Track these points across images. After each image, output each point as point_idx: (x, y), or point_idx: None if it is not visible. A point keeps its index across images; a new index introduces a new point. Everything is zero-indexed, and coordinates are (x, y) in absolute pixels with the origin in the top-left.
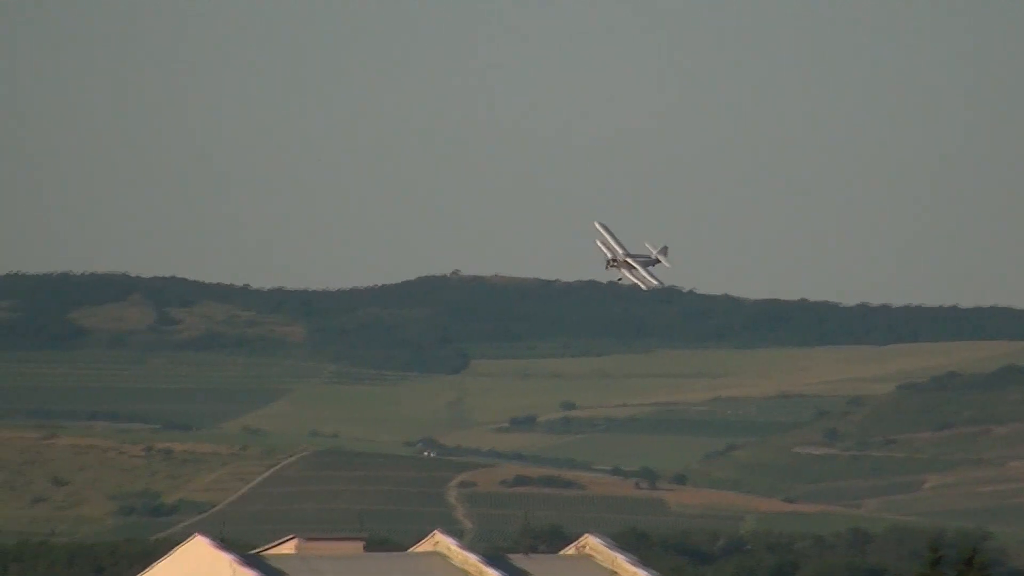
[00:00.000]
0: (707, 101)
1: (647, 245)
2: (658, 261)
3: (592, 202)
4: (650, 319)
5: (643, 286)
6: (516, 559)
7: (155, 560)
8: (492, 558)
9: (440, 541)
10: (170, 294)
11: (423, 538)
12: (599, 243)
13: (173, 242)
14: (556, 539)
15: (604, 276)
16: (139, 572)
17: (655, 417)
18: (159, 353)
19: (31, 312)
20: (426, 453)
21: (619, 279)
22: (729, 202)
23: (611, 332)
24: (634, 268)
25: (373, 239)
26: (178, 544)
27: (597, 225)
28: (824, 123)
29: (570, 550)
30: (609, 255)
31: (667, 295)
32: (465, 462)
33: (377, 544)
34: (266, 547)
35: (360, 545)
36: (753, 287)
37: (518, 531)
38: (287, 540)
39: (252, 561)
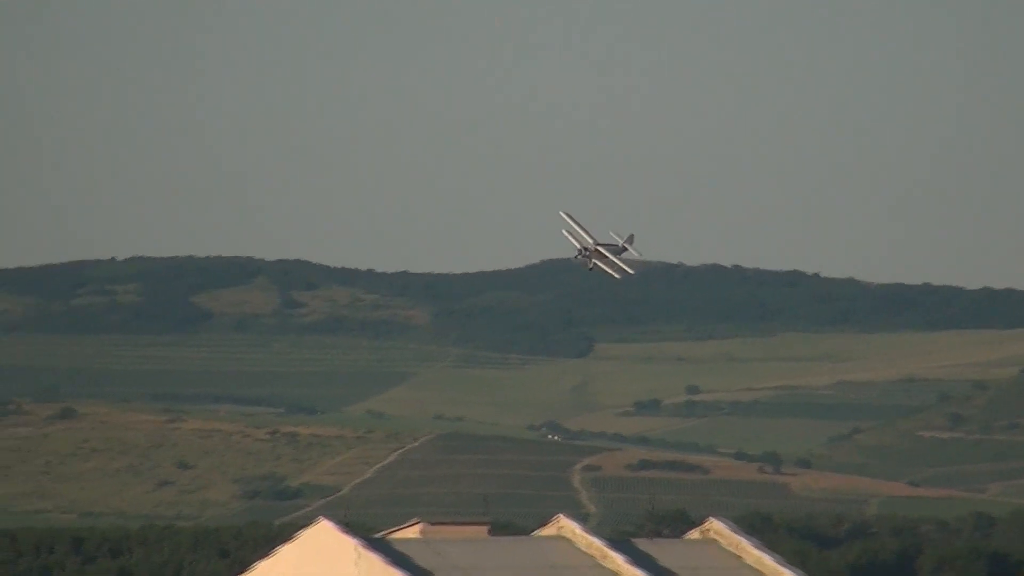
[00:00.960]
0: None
1: (612, 234)
2: (625, 249)
3: (711, 187)
4: (774, 303)
5: (617, 275)
6: (640, 543)
7: (280, 544)
8: (616, 542)
9: (564, 525)
10: (294, 277)
11: (547, 522)
12: (566, 233)
13: (297, 226)
14: (680, 523)
15: (728, 259)
16: (264, 556)
17: (779, 401)
18: (283, 337)
19: (156, 296)
20: (550, 437)
21: (590, 268)
22: (855, 187)
23: (735, 316)
24: (606, 257)
25: (498, 223)
26: (303, 528)
27: (563, 215)
28: (947, 110)
29: (694, 534)
30: (579, 245)
31: (792, 279)
32: (589, 446)
33: (501, 528)
34: (390, 531)
35: (484, 529)
36: (877, 271)
37: (643, 515)
38: (411, 524)
39: (376, 545)
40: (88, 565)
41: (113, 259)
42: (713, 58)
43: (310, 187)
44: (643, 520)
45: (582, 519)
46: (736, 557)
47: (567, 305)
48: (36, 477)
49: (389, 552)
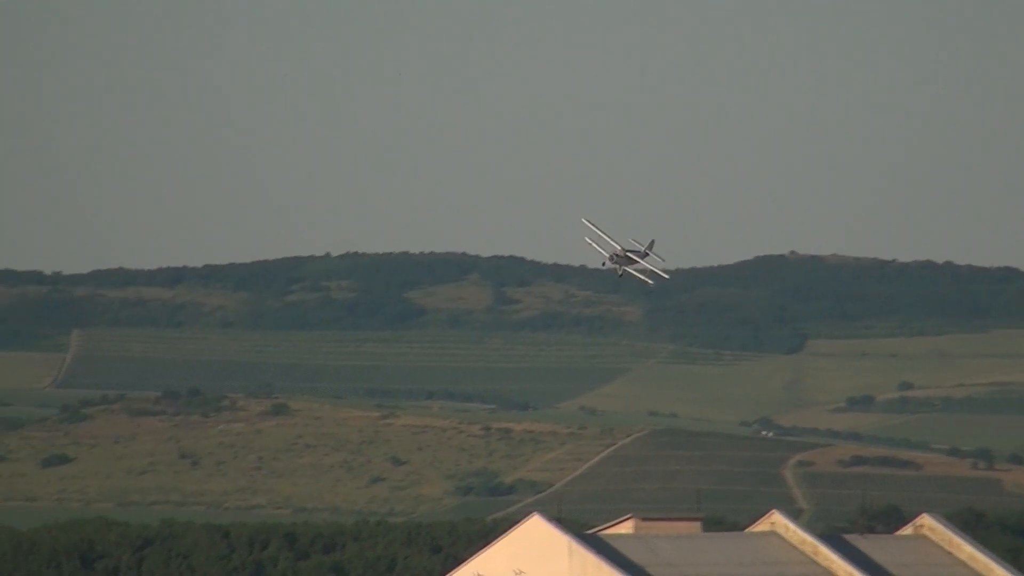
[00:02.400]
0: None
1: (632, 240)
2: (647, 254)
3: (925, 183)
4: (987, 299)
5: (651, 281)
6: (853, 539)
7: (493, 539)
8: (829, 538)
9: (777, 521)
10: (507, 274)
11: (760, 518)
12: (588, 240)
13: (510, 222)
14: (892, 519)
15: (941, 256)
16: (477, 551)
17: (992, 397)
18: (497, 333)
19: (369, 292)
20: (763, 433)
21: (620, 275)
22: None
23: (948, 312)
24: (636, 262)
25: (711, 219)
26: (515, 524)
27: (585, 221)
28: None
29: (907, 530)
30: (607, 252)
31: (1005, 275)
32: (802, 442)
33: (714, 524)
34: (603, 527)
35: (697, 525)
36: None
37: (855, 511)
38: (624, 520)
39: (590, 541)
40: (301, 561)
41: (327, 255)
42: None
43: (524, 184)
44: (855, 516)
45: (794, 515)
46: (949, 554)
47: (780, 301)
48: (249, 473)
49: (602, 548)
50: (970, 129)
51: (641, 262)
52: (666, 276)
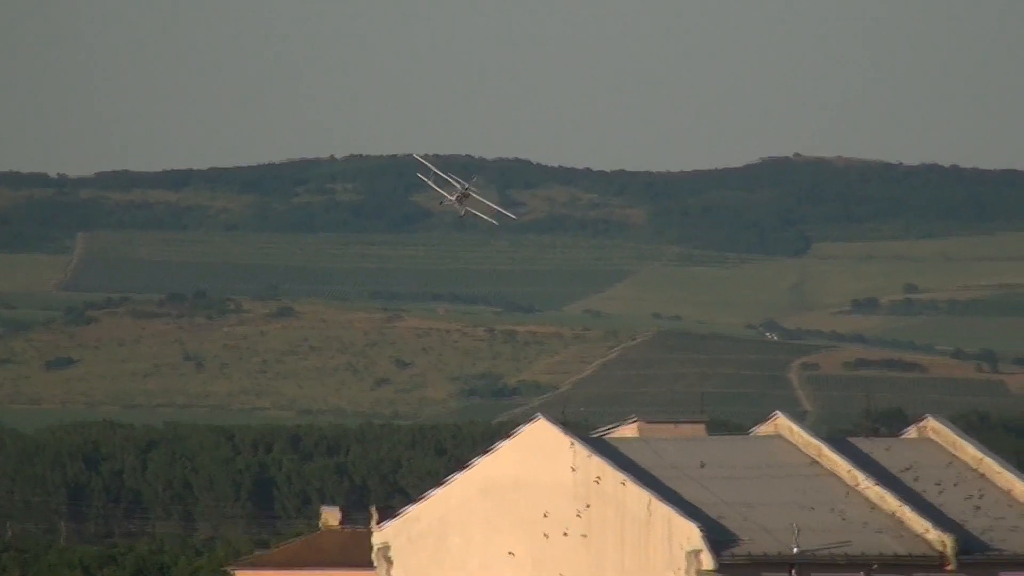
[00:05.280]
0: None
1: (450, 176)
2: (469, 192)
3: (928, 85)
4: (994, 201)
5: (496, 221)
6: (857, 441)
7: (497, 441)
8: (833, 440)
9: (781, 423)
10: (513, 176)
11: (764, 420)
12: (422, 176)
13: (516, 124)
14: (897, 421)
15: (946, 159)
16: (481, 453)
17: (997, 299)
18: (502, 235)
19: (374, 194)
20: (767, 336)
21: (463, 215)
22: None
23: (954, 214)
24: (480, 201)
25: (716, 121)
26: (520, 426)
27: (417, 157)
28: None
29: (911, 432)
30: (447, 191)
31: (1011, 177)
32: (807, 345)
33: (718, 426)
34: (607, 429)
35: (702, 427)
36: None
37: (859, 414)
38: (629, 422)
39: (594, 443)
40: (306, 463)
41: (332, 158)
42: None
43: (528, 85)
44: (860, 418)
45: (799, 417)
46: (953, 455)
47: (786, 204)
48: (254, 375)
49: (606, 450)
50: (975, 32)
51: (485, 202)
52: (513, 216)
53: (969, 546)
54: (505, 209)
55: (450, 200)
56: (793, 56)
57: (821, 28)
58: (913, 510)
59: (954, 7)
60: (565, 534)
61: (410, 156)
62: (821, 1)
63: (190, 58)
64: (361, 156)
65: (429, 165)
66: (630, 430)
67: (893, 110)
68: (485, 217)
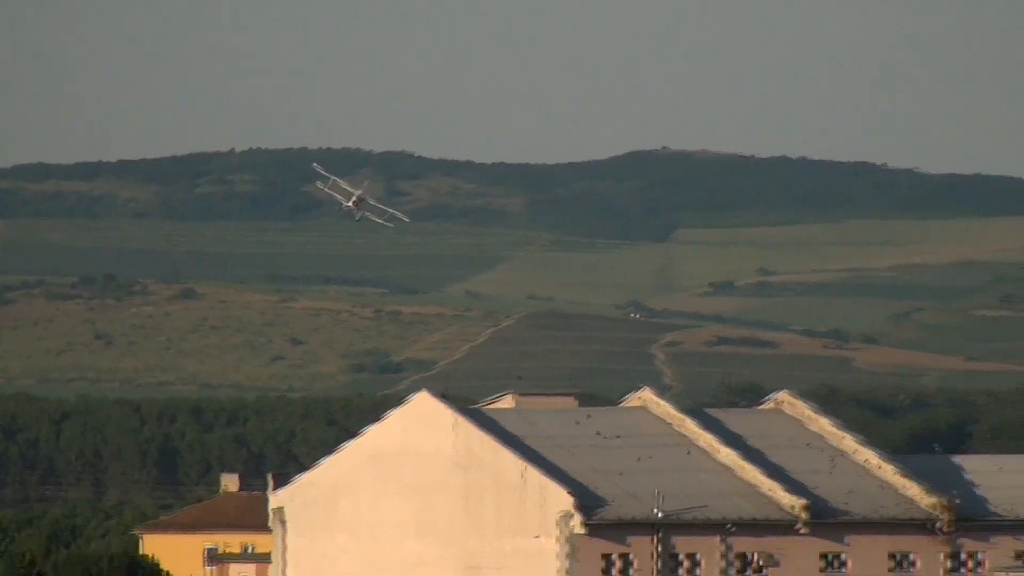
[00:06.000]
0: None
1: (344, 183)
2: (363, 200)
3: (782, 82)
4: (842, 191)
5: (389, 224)
6: (716, 413)
7: (383, 413)
8: (694, 412)
9: (646, 396)
10: (399, 168)
11: (630, 394)
12: (320, 184)
13: (401, 119)
14: (752, 395)
15: (799, 151)
16: (368, 425)
17: (845, 282)
18: (390, 222)
19: (270, 185)
20: (634, 315)
21: (359, 219)
22: (916, 80)
23: (806, 203)
24: (376, 206)
25: (587, 116)
26: (404, 399)
27: (315, 167)
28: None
29: (766, 405)
30: (344, 197)
31: (857, 169)
32: (670, 324)
33: (588, 399)
34: (485, 401)
35: (572, 400)
36: (937, 162)
37: (718, 387)
38: (505, 395)
39: (472, 414)
40: (207, 433)
41: (231, 151)
42: None
43: (412, 82)
44: (718, 392)
45: (662, 391)
46: (804, 426)
47: (651, 193)
48: (159, 352)
49: (483, 421)
50: (830, 33)
51: (380, 206)
52: (406, 218)
53: (819, 509)
54: (391, 202)
55: (348, 205)
56: (659, 56)
57: (687, 29)
58: (767, 476)
59: (811, 9)
60: (446, 499)
61: (303, 149)
62: (690, 3)
63: (101, 58)
64: (258, 149)
65: (327, 174)
66: (506, 403)
67: (750, 106)
68: (380, 221)
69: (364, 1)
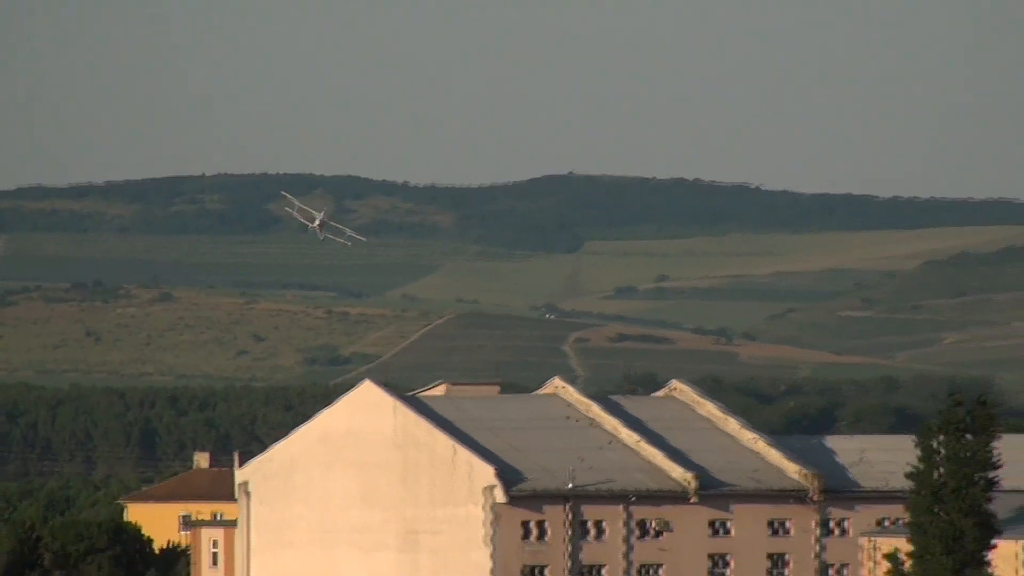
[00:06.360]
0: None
1: (308, 208)
2: (326, 222)
3: (679, 111)
4: (726, 209)
5: (350, 244)
6: (618, 399)
7: (332, 400)
8: (599, 398)
9: (559, 385)
10: (347, 189)
11: (545, 383)
12: (288, 209)
13: (349, 146)
14: (650, 384)
15: (691, 173)
16: (320, 410)
17: (729, 287)
18: (339, 237)
19: (236, 204)
20: (548, 316)
21: (323, 239)
22: (790, 109)
23: (696, 220)
24: (336, 227)
25: (508, 143)
26: (351, 388)
27: (284, 194)
28: (842, 39)
29: (661, 392)
30: (309, 220)
31: (739, 190)
32: (579, 323)
33: (509, 387)
34: (421, 389)
35: (495, 388)
36: (809, 183)
37: (620, 378)
38: (438, 384)
39: (410, 400)
40: (181, 417)
41: (203, 174)
42: None
43: (360, 114)
44: (620, 381)
45: (573, 380)
46: (694, 411)
47: (562, 211)
48: (141, 348)
49: (419, 406)
50: (716, 63)
51: (340, 227)
52: (363, 238)
53: (707, 482)
54: (340, 219)
55: (313, 227)
56: (569, 90)
57: (592, 67)
58: (663, 453)
59: (699, 43)
60: (386, 474)
61: (264, 173)
62: (591, 45)
63: (92, 90)
64: (225, 173)
65: (294, 199)
66: (438, 391)
67: (648, 134)
68: (341, 240)
69: (313, 50)
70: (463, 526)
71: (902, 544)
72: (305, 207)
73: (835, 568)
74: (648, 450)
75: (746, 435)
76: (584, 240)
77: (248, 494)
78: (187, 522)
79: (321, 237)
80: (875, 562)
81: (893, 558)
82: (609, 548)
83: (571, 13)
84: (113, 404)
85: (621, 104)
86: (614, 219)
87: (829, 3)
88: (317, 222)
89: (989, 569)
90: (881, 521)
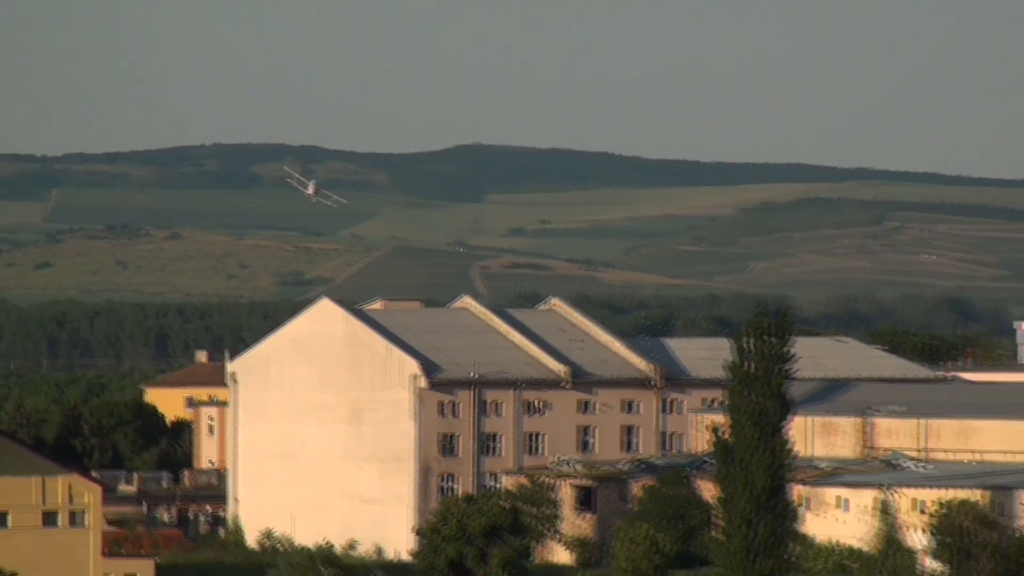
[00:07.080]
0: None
1: (299, 176)
2: (320, 191)
3: (562, 90)
4: (593, 170)
5: (335, 206)
6: (512, 312)
7: (299, 312)
8: (497, 311)
9: (467, 302)
10: (309, 156)
11: (457, 299)
12: (289, 180)
13: (313, 121)
14: (535, 300)
15: (566, 144)
16: (290, 319)
17: (594, 229)
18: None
19: (228, 167)
20: (460, 249)
21: (315, 202)
22: (642, 82)
23: (569, 178)
24: (327, 194)
25: (429, 119)
26: (313, 303)
27: (286, 167)
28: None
29: (543, 307)
30: (304, 187)
31: (603, 157)
32: (482, 254)
33: (430, 303)
34: (364, 303)
35: (419, 304)
36: (654, 149)
37: (513, 296)
38: (377, 300)
39: (356, 312)
40: (187, 324)
41: (202, 144)
42: None
43: (322, 93)
44: (513, 298)
45: (477, 297)
46: (568, 320)
47: (470, 172)
48: (157, 273)
49: (363, 316)
50: (581, 47)
51: (327, 192)
52: (345, 201)
53: (577, 373)
54: (306, 177)
55: (308, 194)
56: (476, 71)
57: (497, 51)
58: (543, 351)
59: (564, 25)
60: (338, 366)
61: (250, 143)
62: (496, 34)
63: (119, 80)
64: (221, 143)
65: (294, 172)
66: (377, 305)
67: (533, 110)
68: (328, 203)
69: (287, 40)
70: (395, 405)
71: (722, 419)
72: (302, 178)
73: (672, 437)
74: (533, 349)
75: (605, 338)
76: (486, 194)
77: (236, 382)
78: (191, 403)
79: (314, 200)
80: (702, 432)
81: (715, 430)
82: (504, 422)
83: (487, 6)
84: (136, 315)
85: (514, 88)
86: (509, 178)
87: None
88: (311, 188)
89: (785, 438)
90: (706, 402)
